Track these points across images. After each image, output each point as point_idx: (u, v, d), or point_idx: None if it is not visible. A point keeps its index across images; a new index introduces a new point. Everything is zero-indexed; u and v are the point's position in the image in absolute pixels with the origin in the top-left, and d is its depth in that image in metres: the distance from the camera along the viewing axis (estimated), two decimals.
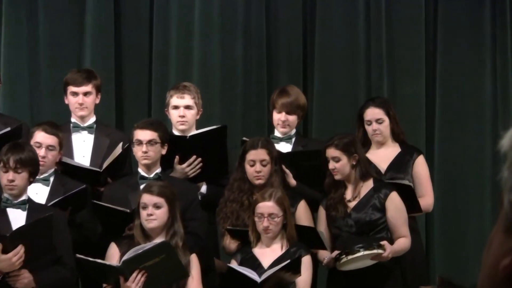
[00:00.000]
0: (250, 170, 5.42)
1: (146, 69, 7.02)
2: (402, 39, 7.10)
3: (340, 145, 5.36)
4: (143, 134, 5.33)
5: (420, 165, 5.76)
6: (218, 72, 6.97)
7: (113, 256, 5.06)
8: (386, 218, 5.38)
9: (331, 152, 5.37)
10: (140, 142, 5.33)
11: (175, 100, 5.70)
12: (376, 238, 5.33)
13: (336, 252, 5.25)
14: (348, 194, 5.43)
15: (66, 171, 5.44)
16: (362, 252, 5.19)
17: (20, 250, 4.69)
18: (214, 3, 6.99)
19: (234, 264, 5.19)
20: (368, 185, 5.44)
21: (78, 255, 4.88)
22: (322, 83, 7.05)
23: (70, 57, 6.88)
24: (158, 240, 4.98)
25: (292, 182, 5.55)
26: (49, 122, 5.45)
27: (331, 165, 5.37)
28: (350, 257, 5.19)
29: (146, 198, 5.04)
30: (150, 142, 5.31)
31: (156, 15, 7.00)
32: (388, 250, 5.23)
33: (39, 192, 5.29)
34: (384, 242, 5.25)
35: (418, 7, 7.10)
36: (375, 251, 5.22)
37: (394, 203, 5.40)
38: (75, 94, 5.68)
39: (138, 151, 5.34)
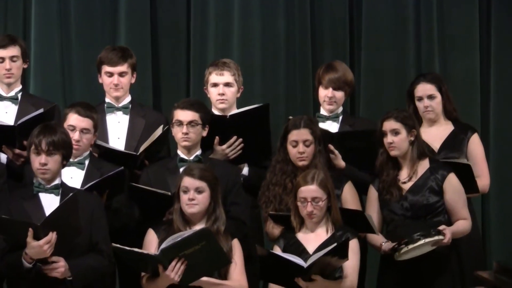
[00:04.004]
0: (292, 151, 5.31)
1: (184, 45, 6.96)
2: (453, 10, 6.99)
3: (400, 117, 5.26)
4: (184, 115, 5.23)
5: (475, 144, 5.66)
6: (259, 49, 6.91)
7: (151, 243, 4.99)
8: (444, 201, 5.28)
9: (391, 124, 5.25)
10: (180, 123, 5.24)
11: (214, 77, 5.63)
12: (433, 222, 5.23)
13: (392, 244, 5.16)
14: (403, 174, 5.32)
15: (101, 154, 5.38)
16: (423, 240, 5.11)
17: (50, 237, 4.60)
18: None
19: (277, 251, 5.10)
20: (424, 165, 5.32)
21: (114, 244, 4.81)
22: (369, 59, 6.97)
23: (103, 34, 6.86)
24: (199, 226, 4.91)
25: (341, 163, 5.45)
26: (83, 103, 5.35)
27: (389, 138, 5.25)
28: (410, 246, 5.10)
29: (188, 182, 4.95)
30: (190, 123, 5.23)
31: None
32: (448, 235, 5.15)
33: (74, 176, 5.20)
34: (442, 227, 5.17)
35: None
36: (436, 237, 5.13)
37: (453, 185, 5.29)
38: (110, 74, 5.64)
39: (178, 132, 5.26)
